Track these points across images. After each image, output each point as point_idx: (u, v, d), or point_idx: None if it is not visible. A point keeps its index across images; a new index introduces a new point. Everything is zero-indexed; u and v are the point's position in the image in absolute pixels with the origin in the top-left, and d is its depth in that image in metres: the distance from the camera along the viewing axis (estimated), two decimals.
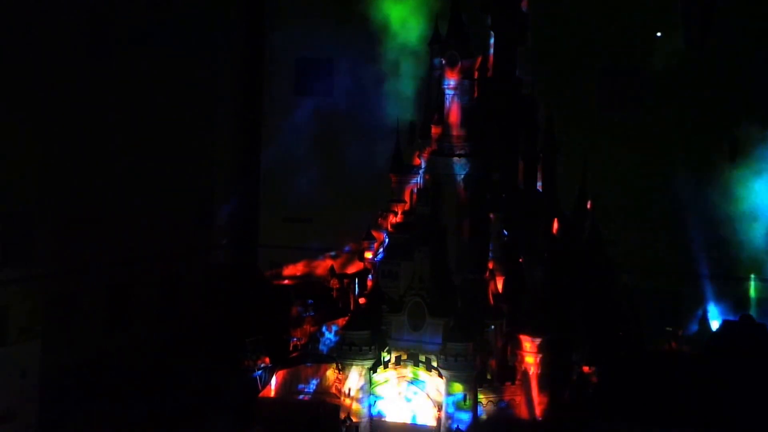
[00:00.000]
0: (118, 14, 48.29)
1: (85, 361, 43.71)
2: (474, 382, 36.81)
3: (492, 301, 38.49)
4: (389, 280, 39.03)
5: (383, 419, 37.72)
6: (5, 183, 42.30)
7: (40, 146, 43.91)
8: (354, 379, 37.68)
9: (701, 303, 50.86)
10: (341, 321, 39.98)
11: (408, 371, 37.54)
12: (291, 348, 42.69)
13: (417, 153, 41.58)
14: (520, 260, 39.56)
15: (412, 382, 37.49)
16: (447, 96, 39.64)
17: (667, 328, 47.05)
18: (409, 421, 37.60)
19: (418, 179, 40.66)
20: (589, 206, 43.11)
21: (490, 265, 38.89)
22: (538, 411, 37.82)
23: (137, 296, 49.86)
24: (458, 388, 36.59)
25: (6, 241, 42.42)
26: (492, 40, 42.18)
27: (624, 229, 49.79)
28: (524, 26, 42.77)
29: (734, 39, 51.13)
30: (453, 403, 36.67)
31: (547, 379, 37.88)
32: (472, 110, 39.78)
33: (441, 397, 36.99)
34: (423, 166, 40.59)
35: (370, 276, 40.72)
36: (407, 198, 41.20)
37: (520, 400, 37.74)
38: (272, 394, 40.75)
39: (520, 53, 42.66)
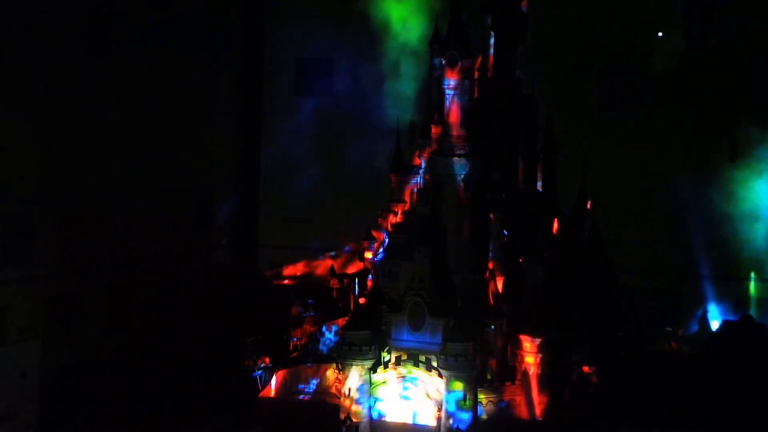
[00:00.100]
0: (118, 14, 48.30)
1: (85, 361, 43.70)
2: (474, 382, 36.80)
3: (492, 301, 38.48)
4: (389, 280, 39.02)
5: (383, 419, 37.70)
6: (5, 183, 42.30)
7: (40, 146, 43.92)
8: (354, 379, 37.68)
9: (701, 303, 50.89)
10: (341, 321, 39.97)
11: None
12: (291, 348, 42.68)
13: (417, 153, 41.56)
14: (520, 260, 39.55)
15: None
16: (447, 96, 39.61)
17: (667, 328, 47.09)
18: (409, 421, 37.59)
19: (418, 179, 40.65)
20: (589, 206, 43.09)
21: (490, 265, 38.87)
22: (538, 411, 37.81)
23: (137, 296, 49.87)
24: (458, 388, 36.58)
25: (6, 241, 42.43)
26: (492, 40, 42.15)
27: (624, 229, 49.80)
28: (524, 26, 42.74)
29: (734, 39, 51.14)
30: (453, 403, 36.67)
31: (547, 379, 37.87)
32: (472, 110, 39.76)
33: (441, 397, 36.96)
34: (423, 166, 40.58)
35: (370, 276, 40.71)
36: (407, 198, 41.19)
37: (520, 400, 37.73)
38: (272, 394, 40.73)
39: (520, 53, 42.63)
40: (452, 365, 36.49)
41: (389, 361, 37.67)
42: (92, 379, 42.38)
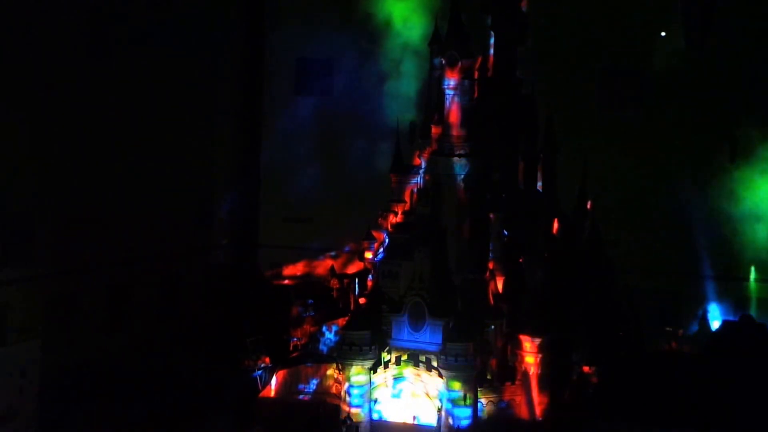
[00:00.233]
0: (118, 14, 48.31)
1: (85, 361, 43.70)
2: (474, 382, 36.80)
3: (492, 301, 38.47)
4: (389, 280, 39.03)
5: (383, 419, 37.70)
6: (5, 183, 42.30)
7: (40, 146, 43.92)
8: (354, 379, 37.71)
9: (701, 303, 50.89)
10: (341, 321, 39.98)
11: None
12: (291, 348, 42.68)
13: (417, 153, 41.55)
14: (520, 260, 39.54)
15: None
16: (447, 96, 39.60)
17: (667, 328, 47.11)
18: (409, 421, 37.60)
19: (418, 179, 40.64)
20: (589, 206, 43.07)
21: (490, 265, 38.87)
22: (538, 411, 37.81)
23: (137, 296, 49.87)
24: (458, 387, 36.58)
25: (6, 241, 42.43)
26: (492, 40, 42.16)
27: (624, 229, 49.76)
28: (524, 26, 42.73)
29: (734, 39, 51.13)
30: (453, 403, 36.66)
31: (547, 379, 37.87)
32: (472, 110, 39.75)
33: (441, 397, 36.97)
34: (423, 166, 40.58)
35: (370, 276, 40.72)
36: (407, 198, 41.18)
37: (520, 400, 37.73)
38: (272, 394, 40.74)
39: (520, 53, 42.63)
40: (452, 365, 36.49)
41: (389, 361, 37.68)
42: (92, 379, 42.36)
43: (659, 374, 39.55)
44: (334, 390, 39.46)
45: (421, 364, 37.33)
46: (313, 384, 40.17)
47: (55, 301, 44.88)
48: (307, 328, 42.60)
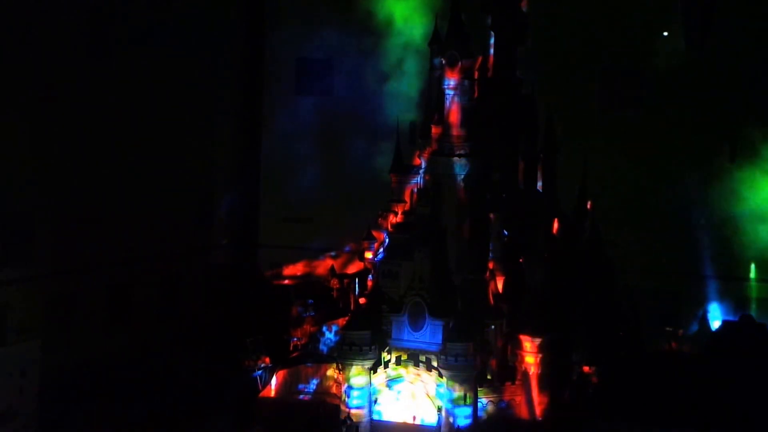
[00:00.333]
0: (118, 14, 48.31)
1: (85, 361, 43.71)
2: (474, 382, 36.81)
3: (492, 301, 38.48)
4: (389, 280, 39.04)
5: (383, 419, 37.71)
6: (5, 183, 42.30)
7: (40, 146, 43.92)
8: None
9: (701, 303, 50.89)
10: (341, 321, 39.98)
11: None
12: (291, 348, 42.68)
13: (417, 153, 41.56)
14: (520, 260, 39.55)
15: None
16: (447, 96, 39.61)
17: (667, 328, 47.09)
18: (409, 421, 37.60)
19: (419, 179, 40.65)
20: (589, 206, 43.07)
21: (490, 265, 38.88)
22: (538, 411, 37.82)
23: (137, 296, 49.87)
24: (458, 388, 36.58)
25: (6, 241, 42.44)
26: (492, 40, 42.18)
27: (624, 229, 49.75)
28: (524, 26, 42.75)
29: (734, 39, 51.13)
30: (453, 403, 36.65)
31: (547, 379, 37.88)
32: (472, 110, 39.76)
33: (441, 397, 36.98)
34: (423, 166, 40.58)
35: (370, 276, 40.73)
36: (407, 198, 41.19)
37: (520, 400, 37.74)
38: (272, 394, 40.75)
39: (520, 53, 42.64)
40: (452, 365, 36.49)
41: (389, 361, 37.68)
42: (92, 379, 42.37)
43: (659, 374, 39.55)
44: (334, 390, 39.44)
45: (421, 364, 37.34)
46: (313, 384, 40.18)
47: (55, 301, 44.88)
48: (307, 328, 42.60)
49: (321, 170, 55.70)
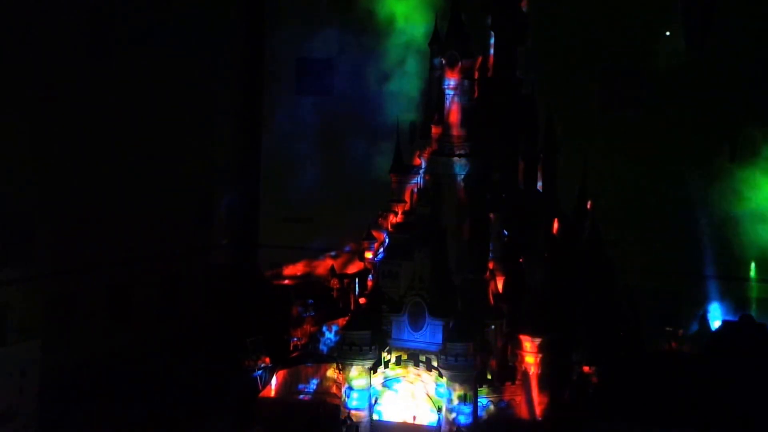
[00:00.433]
0: (118, 14, 48.32)
1: (85, 361, 43.72)
2: (474, 382, 36.80)
3: (492, 301, 38.48)
4: (389, 280, 39.02)
5: (383, 419, 37.71)
6: (5, 183, 42.31)
7: (40, 146, 43.92)
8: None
9: (701, 303, 50.90)
10: (341, 321, 39.97)
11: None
12: (291, 348, 42.68)
13: (417, 153, 41.57)
14: (520, 260, 39.55)
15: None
16: (447, 96, 39.60)
17: (667, 328, 47.08)
18: (409, 421, 37.60)
19: (419, 179, 40.65)
20: (589, 206, 43.08)
21: (490, 265, 38.88)
22: (538, 411, 37.82)
23: (137, 296, 49.89)
24: (458, 388, 36.58)
25: (6, 241, 42.44)
26: (492, 40, 42.18)
27: (624, 229, 49.74)
28: (524, 26, 42.76)
29: (734, 39, 51.14)
30: (453, 402, 36.65)
31: (547, 379, 37.88)
32: (472, 110, 39.75)
33: (441, 397, 36.98)
34: (423, 166, 40.58)
35: (370, 276, 40.73)
36: (407, 198, 41.19)
37: (520, 400, 37.74)
38: (272, 394, 40.75)
39: (520, 53, 42.65)
40: (452, 365, 36.47)
41: (389, 361, 37.68)
42: (92, 379, 42.38)
43: (659, 374, 39.56)
44: (334, 390, 39.44)
45: (421, 364, 37.33)
46: (313, 384, 40.17)
47: (55, 301, 44.90)
48: (307, 328, 42.60)
49: (321, 170, 55.72)
